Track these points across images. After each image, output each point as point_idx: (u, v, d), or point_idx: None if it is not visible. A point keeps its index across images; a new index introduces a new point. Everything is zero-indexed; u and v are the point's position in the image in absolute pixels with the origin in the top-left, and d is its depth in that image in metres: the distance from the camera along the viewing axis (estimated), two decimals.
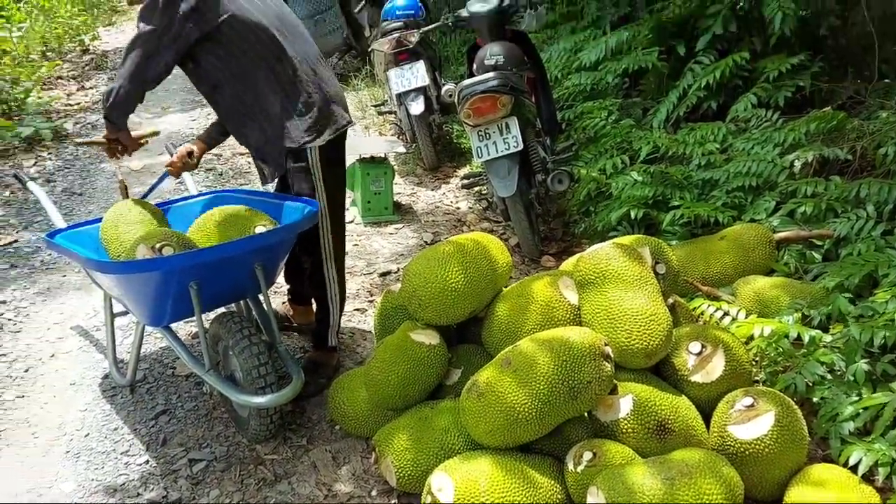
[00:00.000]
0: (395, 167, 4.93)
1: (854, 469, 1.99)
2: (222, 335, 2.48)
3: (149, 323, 2.49)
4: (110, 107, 2.51)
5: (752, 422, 2.04)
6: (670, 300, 2.47)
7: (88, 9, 9.82)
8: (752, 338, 2.44)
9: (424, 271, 2.42)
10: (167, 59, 2.40)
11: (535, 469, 2.04)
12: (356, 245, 4.09)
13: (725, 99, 4.15)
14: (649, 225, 3.58)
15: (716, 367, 2.22)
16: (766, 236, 2.97)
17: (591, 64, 4.89)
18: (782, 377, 2.31)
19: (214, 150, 5.09)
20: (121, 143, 2.72)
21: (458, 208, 4.61)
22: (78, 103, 6.79)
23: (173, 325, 2.55)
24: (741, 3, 4.03)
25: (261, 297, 2.53)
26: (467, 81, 3.54)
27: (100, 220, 2.69)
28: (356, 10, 6.41)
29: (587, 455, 1.98)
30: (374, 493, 2.34)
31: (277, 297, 3.42)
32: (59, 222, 2.83)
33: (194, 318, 2.36)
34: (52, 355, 3.11)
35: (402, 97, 4.92)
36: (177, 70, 2.56)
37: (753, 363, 2.45)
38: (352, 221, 4.38)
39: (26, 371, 3.00)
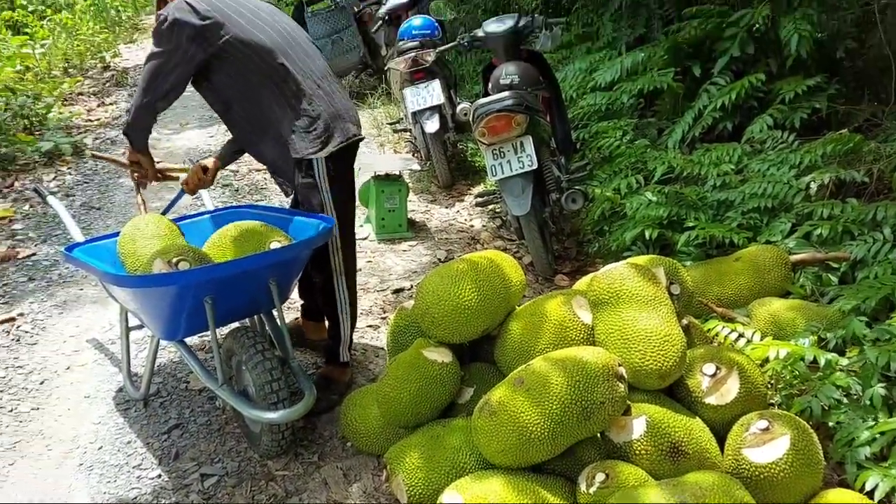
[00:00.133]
0: (410, 185, 4.95)
1: (870, 495, 1.95)
2: (236, 350, 2.50)
3: (163, 337, 2.51)
4: (127, 125, 2.68)
5: (767, 445, 2.01)
6: (685, 321, 2.46)
7: (110, 26, 9.98)
8: (767, 360, 2.42)
9: (438, 289, 2.42)
10: (176, 78, 2.53)
11: (546, 490, 2.03)
12: (370, 262, 4.10)
13: (741, 120, 4.15)
14: (664, 245, 3.57)
15: (730, 389, 2.20)
16: (782, 258, 2.95)
17: (607, 84, 4.90)
18: (798, 400, 2.28)
19: (231, 167, 5.13)
20: (142, 166, 2.81)
21: (472, 226, 4.62)
22: (98, 119, 6.89)
23: (187, 340, 2.56)
24: (757, 25, 4.03)
25: (274, 312, 2.54)
26: (482, 100, 3.56)
27: (117, 234, 2.72)
28: (373, 30, 6.48)
29: (600, 476, 1.96)
30: None
31: (291, 312, 3.43)
32: (78, 236, 2.87)
33: (208, 332, 2.38)
34: (68, 368, 3.13)
35: (417, 115, 4.96)
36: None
37: (769, 386, 2.42)
38: (366, 238, 4.40)
39: (41, 383, 3.03)
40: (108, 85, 8.11)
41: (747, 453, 2.03)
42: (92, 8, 9.72)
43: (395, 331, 2.71)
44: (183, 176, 2.96)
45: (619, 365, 2.11)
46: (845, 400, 2.25)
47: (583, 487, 1.98)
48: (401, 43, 5.11)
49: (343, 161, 2.72)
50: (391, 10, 5.94)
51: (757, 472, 1.99)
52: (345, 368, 2.93)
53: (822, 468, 2.05)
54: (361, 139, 2.80)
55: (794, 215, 3.23)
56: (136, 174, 2.91)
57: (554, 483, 2.07)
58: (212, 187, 3.91)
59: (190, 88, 2.68)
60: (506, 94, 3.53)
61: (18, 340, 3.32)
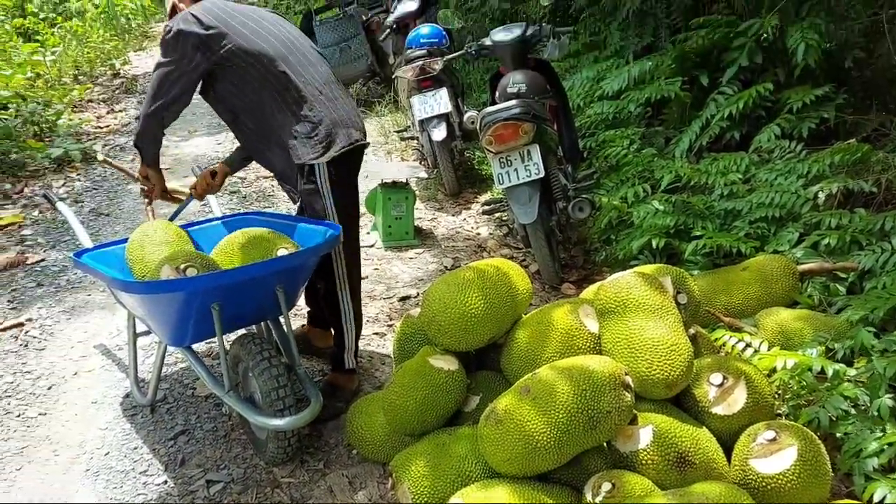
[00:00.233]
0: (417, 192, 4.96)
1: None
2: (242, 356, 2.50)
3: (171, 343, 2.52)
4: (137, 135, 2.74)
5: (774, 456, 2.01)
6: (692, 330, 2.45)
7: (120, 34, 10.05)
8: (774, 370, 2.41)
9: (444, 297, 2.43)
10: (181, 87, 2.59)
11: (552, 499, 2.02)
12: (376, 269, 4.11)
13: (748, 129, 4.14)
14: (671, 254, 3.56)
15: (737, 399, 2.19)
16: (790, 268, 2.95)
17: (614, 93, 4.90)
18: (805, 411, 2.27)
19: (238, 174, 5.17)
20: (150, 181, 2.84)
21: (479, 234, 4.62)
22: (107, 126, 6.93)
23: (194, 346, 2.57)
24: (765, 35, 4.04)
25: (281, 319, 2.55)
26: (490, 109, 3.57)
27: (126, 240, 2.74)
28: (381, 38, 6.50)
29: (606, 486, 1.96)
30: None
31: (298, 319, 3.44)
32: (87, 242, 2.88)
33: (215, 338, 2.38)
34: (75, 373, 3.15)
35: (424, 123, 4.97)
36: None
37: (776, 396, 2.41)
38: (372, 245, 4.41)
39: (49, 388, 3.04)
40: (117, 92, 8.16)
41: (754, 464, 2.02)
42: (102, 16, 9.79)
43: (401, 338, 2.72)
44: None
45: (626, 374, 2.11)
46: (853, 411, 2.24)
47: (589, 497, 1.98)
48: (409, 51, 5.13)
49: (346, 166, 2.73)
50: (399, 19, 5.96)
51: (764, 483, 1.98)
52: (351, 375, 2.93)
53: (830, 479, 2.03)
54: (365, 145, 2.81)
55: (802, 225, 3.22)
56: (144, 188, 2.94)
57: (560, 492, 2.07)
58: (219, 194, 3.93)
59: (198, 96, 2.71)
60: (513, 102, 3.53)
61: (27, 346, 3.34)
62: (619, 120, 4.82)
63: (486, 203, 4.36)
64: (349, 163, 2.76)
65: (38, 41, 8.46)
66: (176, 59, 2.55)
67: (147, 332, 2.90)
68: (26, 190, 5.24)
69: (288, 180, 2.81)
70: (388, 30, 6.02)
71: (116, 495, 2.45)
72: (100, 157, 3.29)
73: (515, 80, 3.76)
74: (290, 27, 2.80)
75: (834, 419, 2.24)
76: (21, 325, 3.49)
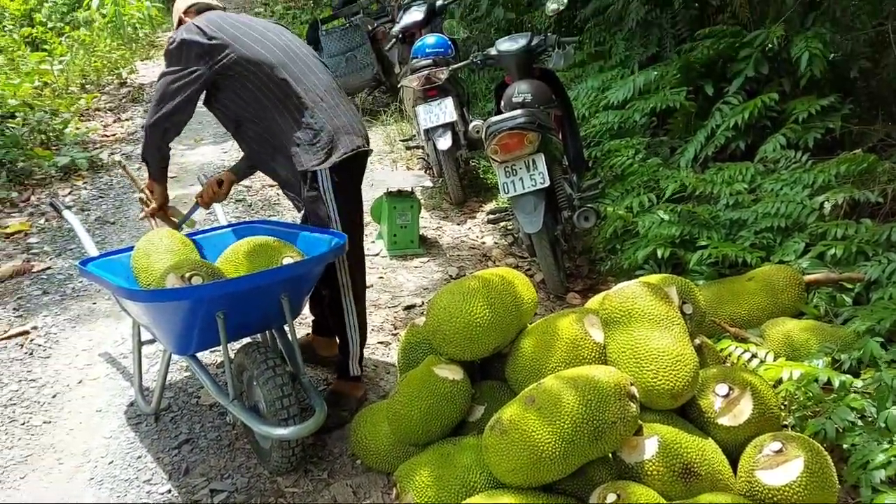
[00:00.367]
0: (422, 201, 4.97)
1: None
2: (247, 365, 2.50)
3: (176, 351, 2.52)
4: (143, 147, 2.77)
5: (780, 467, 1.99)
6: (697, 341, 2.44)
7: (127, 43, 10.09)
8: (780, 381, 2.40)
9: (449, 306, 2.42)
10: (185, 97, 2.60)
11: None
12: (381, 278, 4.11)
13: (754, 139, 4.14)
14: (676, 264, 3.56)
15: (743, 410, 2.18)
16: (796, 278, 2.94)
17: (619, 102, 4.91)
18: (812, 422, 2.26)
19: (244, 182, 5.18)
20: (153, 195, 2.86)
21: (484, 243, 4.62)
22: (114, 134, 6.96)
23: (199, 354, 2.57)
24: (770, 45, 4.04)
25: (286, 327, 2.55)
26: (495, 118, 3.58)
27: (131, 248, 2.75)
28: (387, 48, 6.53)
29: (611, 497, 1.95)
30: None
31: (302, 328, 3.44)
32: (92, 250, 2.89)
33: (220, 347, 2.39)
34: (80, 381, 3.15)
35: (429, 132, 4.98)
36: None
37: (782, 407, 2.40)
38: (377, 254, 4.41)
39: (54, 397, 3.04)
40: (124, 101, 8.20)
41: (760, 475, 2.00)
42: (109, 25, 9.84)
43: (406, 347, 2.71)
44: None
45: (631, 384, 2.10)
46: (860, 422, 2.22)
47: None
48: (414, 61, 5.14)
49: (349, 173, 2.74)
50: (405, 29, 5.98)
51: (770, 495, 1.97)
52: (356, 383, 2.93)
53: (837, 491, 2.02)
54: (368, 152, 2.83)
55: (808, 235, 3.22)
56: (143, 200, 2.96)
57: (565, 503, 2.06)
58: (225, 202, 3.94)
59: (202, 106, 2.74)
60: (518, 112, 3.54)
61: (32, 354, 3.34)
62: (625, 129, 4.82)
63: (492, 212, 4.36)
64: (352, 169, 2.77)
65: (45, 50, 8.51)
66: (180, 69, 2.58)
67: (152, 341, 2.90)
68: (33, 198, 5.26)
69: (292, 188, 2.82)
70: (394, 39, 6.05)
71: None
72: (116, 157, 3.31)
73: (521, 90, 3.77)
74: (291, 37, 2.82)
75: (841, 430, 2.22)
76: (26, 333, 3.50)
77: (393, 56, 6.64)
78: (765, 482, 1.99)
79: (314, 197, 2.68)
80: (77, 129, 6.72)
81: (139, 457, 2.68)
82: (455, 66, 4.74)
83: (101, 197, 5.35)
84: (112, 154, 6.23)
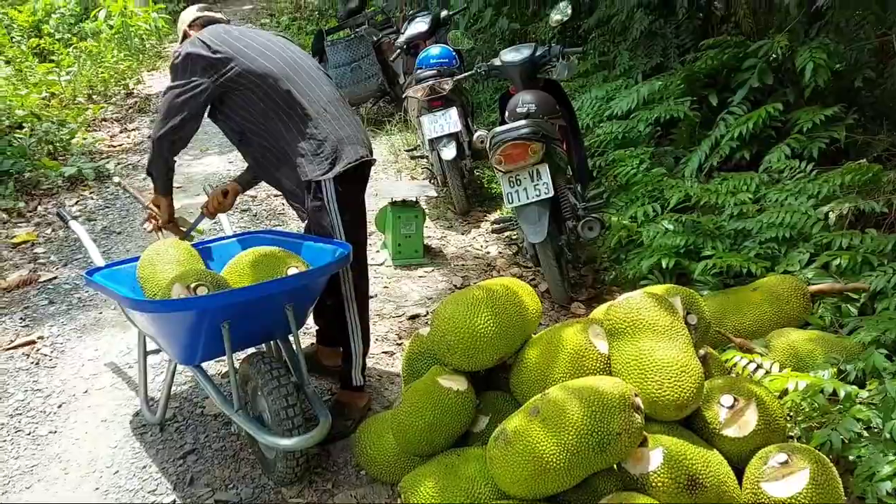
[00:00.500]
0: (427, 211, 4.98)
1: None
2: (252, 375, 2.51)
3: (181, 361, 2.53)
4: (148, 161, 2.80)
5: (786, 479, 1.99)
6: (702, 352, 2.44)
7: (133, 54, 10.15)
8: (785, 392, 2.39)
9: (454, 315, 2.43)
10: (190, 110, 2.63)
11: None
12: (386, 287, 4.11)
13: (758, 149, 4.14)
14: (680, 274, 3.55)
15: (749, 421, 2.18)
16: (801, 289, 2.93)
17: (623, 113, 4.92)
18: (817, 433, 2.25)
19: (250, 192, 5.18)
20: (159, 210, 2.87)
21: (488, 253, 4.63)
22: (120, 144, 6.99)
23: (204, 365, 2.58)
24: (774, 56, 4.05)
25: (290, 337, 2.55)
26: (499, 128, 3.59)
27: (137, 258, 2.76)
28: (391, 58, 6.56)
29: None
30: None
31: (307, 338, 3.45)
32: (99, 260, 2.90)
33: (225, 357, 2.39)
34: (86, 391, 3.16)
35: (434, 142, 4.99)
36: None
37: (787, 418, 2.39)
38: (382, 264, 4.42)
39: (60, 406, 3.05)
40: (130, 111, 8.23)
41: (766, 487, 2.00)
42: (117, 36, 9.89)
43: (410, 357, 2.71)
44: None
45: (636, 395, 2.10)
46: (866, 433, 2.21)
47: None
48: (419, 71, 5.17)
49: (352, 183, 2.76)
50: (410, 40, 6.02)
51: None
52: (360, 393, 2.93)
53: (843, 503, 2.01)
54: (372, 161, 2.84)
55: (813, 245, 3.21)
56: (149, 215, 2.97)
57: None
58: (231, 212, 3.95)
59: (207, 118, 2.76)
60: (522, 122, 3.55)
61: (38, 364, 3.35)
62: (629, 139, 4.83)
63: (496, 222, 4.37)
64: (356, 179, 2.78)
65: (53, 61, 8.56)
66: (185, 83, 2.61)
67: (157, 351, 2.91)
68: (40, 208, 5.28)
69: (296, 198, 2.84)
70: (399, 50, 6.08)
71: None
72: (116, 179, 3.32)
73: (525, 100, 3.78)
74: (295, 48, 2.85)
75: (846, 442, 2.21)
76: (33, 342, 3.51)
77: (398, 67, 6.67)
78: (770, 494, 1.98)
79: (318, 207, 2.69)
80: (84, 139, 6.75)
81: (144, 467, 2.68)
82: (459, 76, 4.76)
83: (107, 207, 5.37)
84: (118, 164, 6.26)
